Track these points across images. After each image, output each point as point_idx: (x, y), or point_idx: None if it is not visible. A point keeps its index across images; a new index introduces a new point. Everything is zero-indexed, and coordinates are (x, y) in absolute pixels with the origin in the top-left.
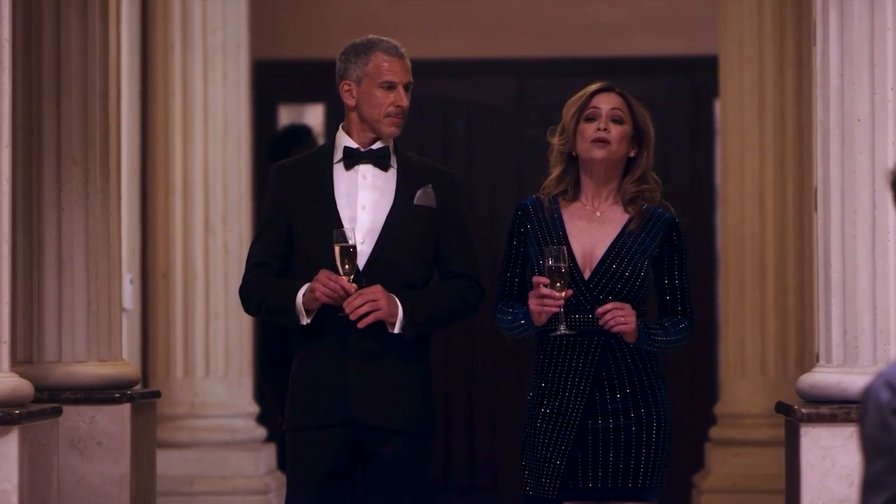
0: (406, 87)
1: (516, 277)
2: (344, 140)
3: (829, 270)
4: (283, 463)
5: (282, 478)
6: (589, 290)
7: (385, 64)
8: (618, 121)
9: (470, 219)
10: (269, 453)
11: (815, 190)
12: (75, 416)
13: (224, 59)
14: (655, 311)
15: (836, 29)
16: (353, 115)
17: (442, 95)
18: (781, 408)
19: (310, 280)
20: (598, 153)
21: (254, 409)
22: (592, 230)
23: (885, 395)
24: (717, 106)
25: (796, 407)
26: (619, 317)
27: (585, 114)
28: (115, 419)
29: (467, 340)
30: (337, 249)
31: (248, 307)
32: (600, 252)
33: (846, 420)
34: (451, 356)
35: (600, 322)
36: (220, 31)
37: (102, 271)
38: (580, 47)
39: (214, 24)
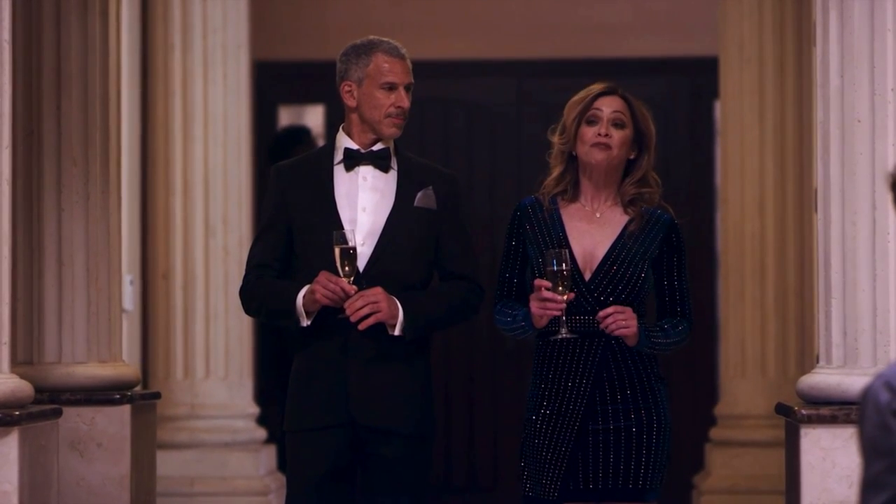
0: (407, 88)
1: (515, 278)
2: (344, 141)
3: (829, 271)
4: (283, 464)
5: (282, 479)
6: (590, 292)
7: (386, 65)
8: (619, 125)
9: (470, 220)
10: (269, 454)
11: (815, 191)
12: (75, 418)
13: (224, 60)
14: (654, 313)
15: (836, 30)
16: (354, 116)
17: (442, 96)
18: (782, 409)
19: (310, 281)
20: (598, 156)
21: (254, 410)
22: (592, 231)
23: (884, 396)
24: (717, 107)
25: (796, 408)
26: (621, 320)
27: (587, 116)
28: (116, 420)
29: (467, 341)
30: (337, 251)
31: (248, 308)
32: (600, 254)
33: (846, 421)
34: (451, 357)
35: (601, 326)
36: (220, 32)
37: (102, 272)
38: (580, 48)
39: (214, 25)
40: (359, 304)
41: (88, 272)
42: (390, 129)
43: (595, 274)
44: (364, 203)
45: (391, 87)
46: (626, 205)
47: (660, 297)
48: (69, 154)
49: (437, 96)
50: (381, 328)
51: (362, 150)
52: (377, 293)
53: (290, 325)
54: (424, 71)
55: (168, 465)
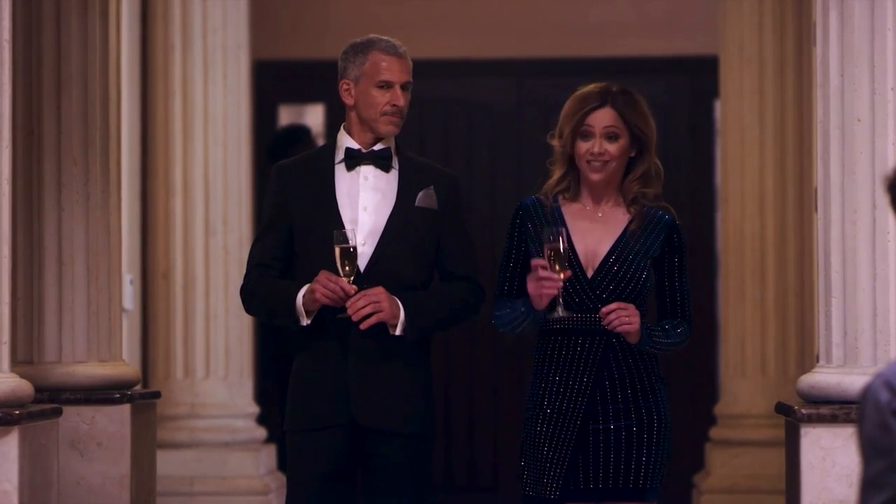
0: (404, 87)
1: (516, 278)
2: (345, 141)
3: (829, 271)
4: (283, 463)
5: (282, 478)
6: (591, 290)
7: (382, 63)
8: (613, 137)
9: (470, 219)
10: (269, 454)
11: (816, 190)
12: (75, 417)
13: (224, 59)
14: (654, 313)
15: (836, 29)
16: (353, 115)
17: (442, 96)
18: (781, 408)
19: (310, 281)
20: (594, 176)
21: (254, 409)
22: (595, 230)
23: (884, 395)
24: (718, 106)
25: (796, 407)
26: (624, 317)
27: (580, 131)
28: (116, 420)
29: (467, 341)
30: (337, 251)
31: (248, 308)
32: (602, 251)
33: (846, 420)
34: (451, 357)
35: (604, 322)
36: (220, 31)
37: (103, 272)
38: (580, 48)
39: (214, 25)
40: (360, 303)
41: (88, 271)
42: (386, 127)
43: (597, 272)
44: (365, 202)
45: (387, 86)
46: (629, 203)
47: (660, 298)
48: (69, 154)
49: (436, 95)
50: (381, 328)
51: (363, 150)
52: (379, 293)
53: (290, 325)
54: (424, 70)
55: (168, 464)
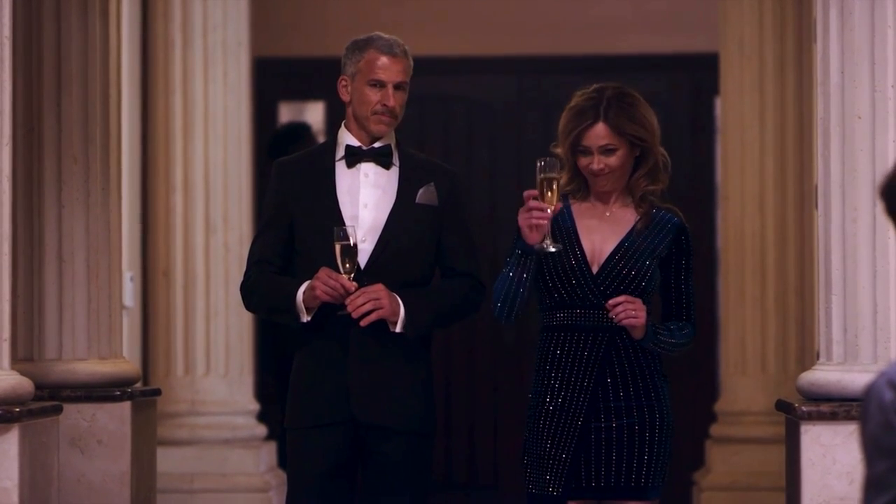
0: (397, 87)
1: None
2: (346, 138)
3: (829, 268)
4: (283, 461)
5: (282, 475)
6: (596, 286)
7: (377, 61)
8: (610, 150)
9: (470, 216)
10: (269, 451)
11: (816, 187)
12: (76, 414)
13: (224, 57)
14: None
15: (836, 27)
16: (351, 112)
17: (443, 93)
18: (782, 405)
19: (311, 278)
20: (598, 184)
21: (254, 406)
22: (602, 228)
23: (888, 394)
24: (718, 103)
25: (797, 405)
26: (630, 310)
27: (578, 148)
28: (116, 417)
29: (468, 339)
30: (337, 247)
31: (248, 304)
32: (608, 249)
33: (846, 418)
34: (451, 355)
35: (610, 314)
36: (220, 29)
37: (103, 269)
38: (581, 45)
39: (215, 23)
40: (360, 300)
41: (89, 269)
42: (377, 127)
43: (602, 268)
44: (365, 199)
45: (379, 85)
46: (638, 201)
47: (665, 300)
48: (69, 151)
49: (436, 93)
50: (382, 325)
51: (364, 147)
52: (379, 290)
53: (290, 322)
54: (424, 67)
55: (168, 461)
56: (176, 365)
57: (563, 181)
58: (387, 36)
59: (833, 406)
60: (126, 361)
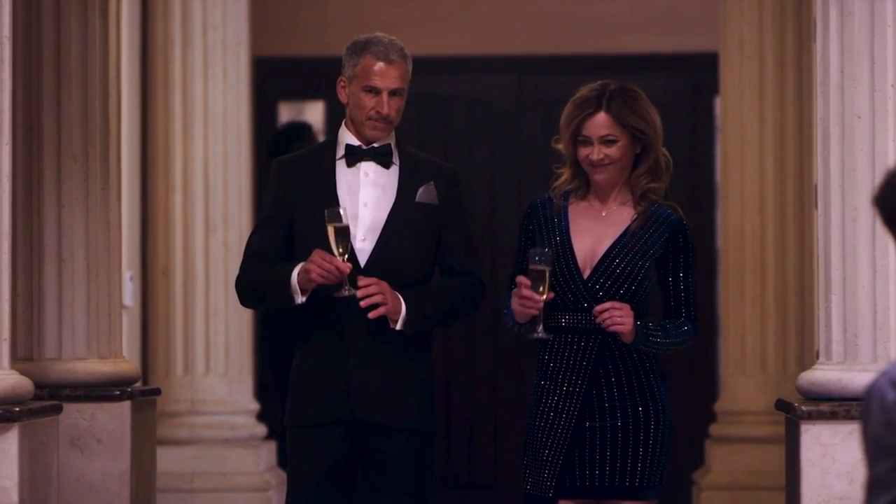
0: (393, 93)
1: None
2: (346, 137)
3: (829, 268)
4: (283, 460)
5: (282, 475)
6: (587, 289)
7: (372, 68)
8: (611, 141)
9: (470, 215)
10: (269, 450)
11: (816, 187)
12: (75, 414)
13: (224, 56)
14: (659, 312)
15: (836, 26)
16: (349, 112)
17: (442, 92)
18: (782, 405)
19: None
20: (598, 177)
21: (254, 406)
22: (597, 229)
23: (890, 393)
24: (718, 103)
25: (796, 404)
26: (616, 316)
27: (578, 138)
28: (115, 416)
29: (468, 338)
30: (330, 229)
31: (242, 296)
32: (602, 250)
33: (846, 417)
34: (451, 354)
35: (597, 321)
36: (220, 28)
37: (102, 268)
38: (581, 44)
39: (214, 22)
40: (373, 288)
41: (88, 268)
42: (371, 132)
43: (594, 270)
44: (365, 198)
45: (374, 91)
46: (638, 199)
47: (664, 297)
48: (69, 150)
49: (436, 92)
50: (382, 323)
51: (363, 146)
52: (382, 284)
53: (285, 305)
54: (424, 67)
55: (168, 461)
56: (175, 364)
57: (563, 178)
58: (386, 39)
59: (833, 405)
60: (126, 361)
